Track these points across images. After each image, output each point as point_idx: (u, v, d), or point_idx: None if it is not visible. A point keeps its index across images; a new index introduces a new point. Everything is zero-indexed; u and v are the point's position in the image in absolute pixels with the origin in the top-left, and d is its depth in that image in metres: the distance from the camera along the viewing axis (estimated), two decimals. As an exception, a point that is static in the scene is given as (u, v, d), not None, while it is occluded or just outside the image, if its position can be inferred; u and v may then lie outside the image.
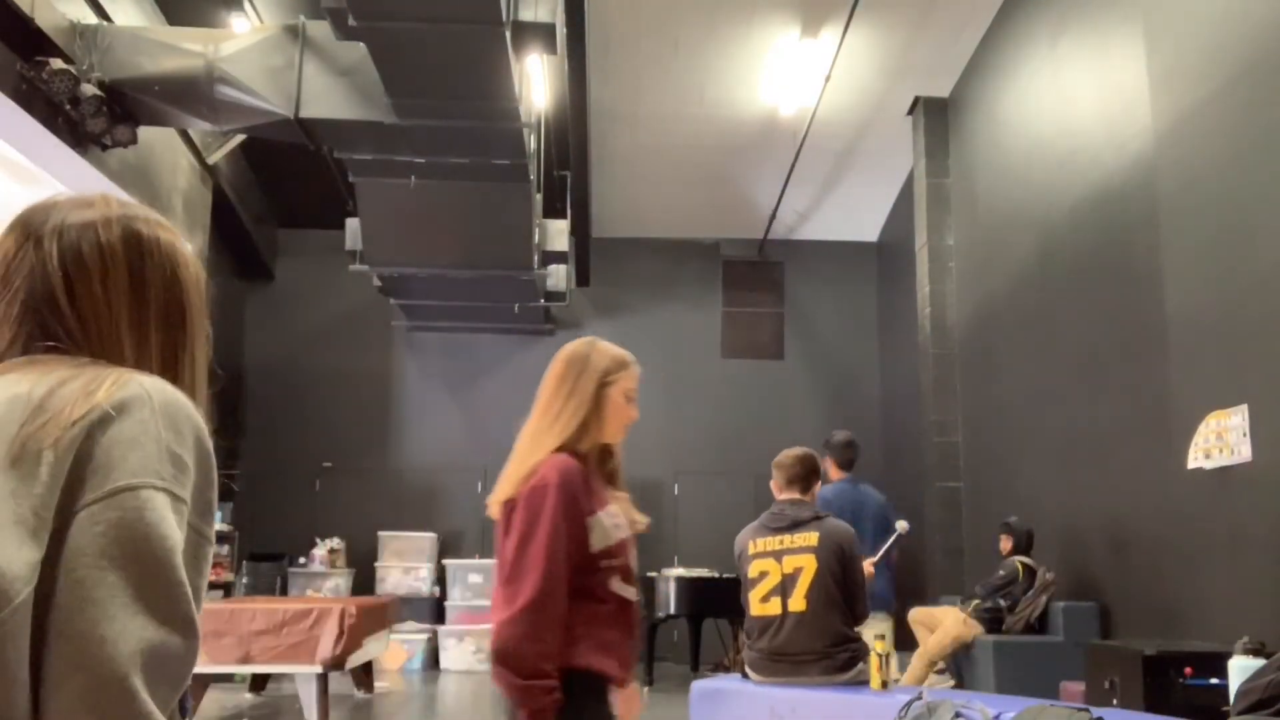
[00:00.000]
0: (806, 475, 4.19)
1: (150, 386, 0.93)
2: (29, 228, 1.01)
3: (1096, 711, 2.87)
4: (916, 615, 6.80)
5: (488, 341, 11.68)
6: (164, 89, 6.90)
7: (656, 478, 11.11)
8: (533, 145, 7.97)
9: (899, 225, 10.83)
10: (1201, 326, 5.32)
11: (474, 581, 10.47)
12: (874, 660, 3.92)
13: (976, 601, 6.53)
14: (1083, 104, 6.80)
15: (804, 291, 12.19)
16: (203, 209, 9.29)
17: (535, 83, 7.70)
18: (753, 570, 4.10)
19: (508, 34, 6.11)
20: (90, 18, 6.92)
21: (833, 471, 5.86)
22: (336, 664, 5.94)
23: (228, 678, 7.69)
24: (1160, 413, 5.66)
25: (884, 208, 11.51)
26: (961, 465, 8.91)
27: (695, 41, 8.70)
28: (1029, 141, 7.70)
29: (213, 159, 9.32)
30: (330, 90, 7.00)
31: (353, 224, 9.29)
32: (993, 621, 6.40)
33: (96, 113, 6.58)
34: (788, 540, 4.05)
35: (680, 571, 9.20)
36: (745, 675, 4.22)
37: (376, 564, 10.72)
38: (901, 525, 5.98)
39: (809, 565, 3.97)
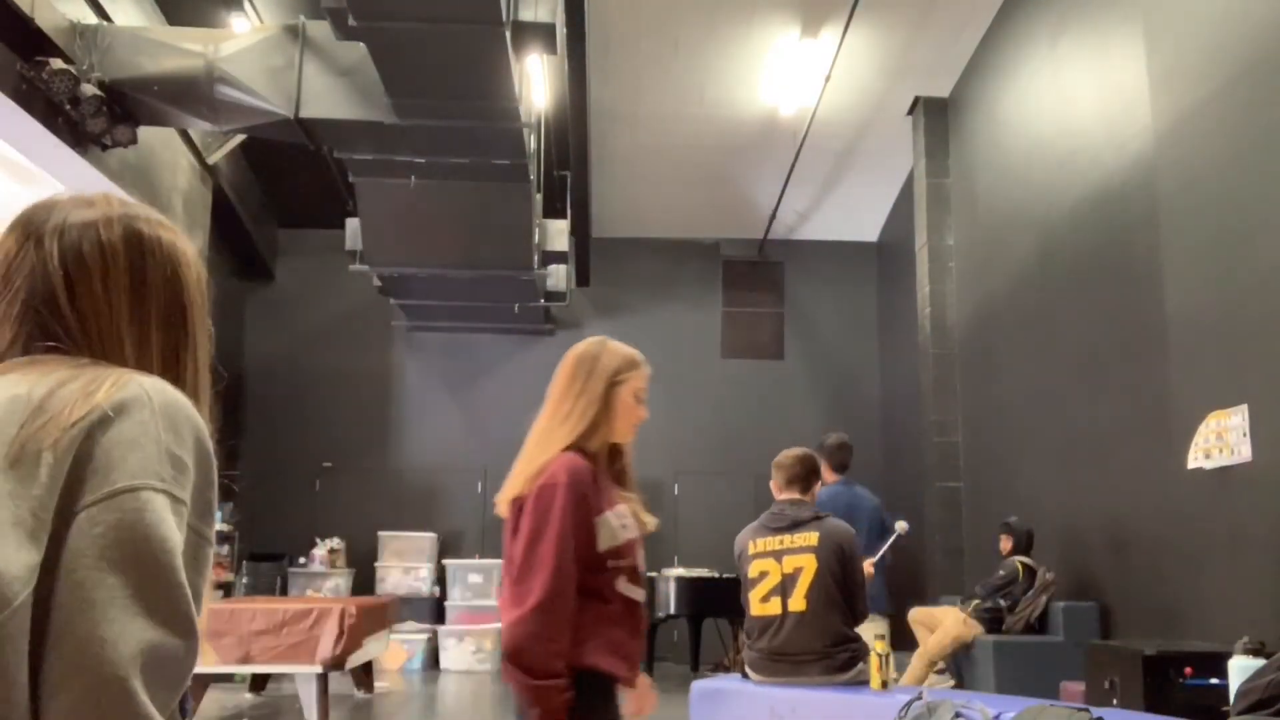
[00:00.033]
0: (806, 475, 4.20)
1: (150, 387, 0.93)
2: (30, 227, 1.01)
3: (1096, 711, 2.87)
4: (916, 615, 6.80)
5: (488, 341, 11.68)
6: (164, 89, 6.90)
7: (656, 478, 11.11)
8: (533, 145, 7.97)
9: (899, 225, 10.83)
10: (1201, 326, 5.32)
11: (474, 581, 10.47)
12: (874, 660, 3.92)
13: (976, 601, 6.53)
14: (1083, 104, 6.80)
15: (804, 291, 12.19)
16: (203, 209, 9.29)
17: (535, 83, 7.70)
18: (753, 570, 4.11)
19: (508, 34, 6.11)
20: (90, 18, 6.91)
21: (827, 474, 5.87)
22: (336, 664, 5.94)
23: (228, 678, 7.69)
24: (1160, 413, 5.66)
25: (884, 208, 11.51)
26: (961, 465, 8.91)
27: (695, 41, 8.70)
28: (1029, 141, 7.70)
29: (213, 159, 9.32)
30: (330, 90, 7.00)
31: (353, 224, 9.29)
32: (993, 621, 6.39)
33: (96, 113, 6.58)
34: (788, 540, 4.05)
35: (680, 571, 9.21)
36: (745, 675, 4.22)
37: (376, 564, 10.71)
38: (901, 525, 5.99)
39: (809, 565, 3.97)
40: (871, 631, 4.54)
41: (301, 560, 10.54)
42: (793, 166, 10.17)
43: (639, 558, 2.14)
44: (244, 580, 10.12)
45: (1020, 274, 7.78)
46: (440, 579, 10.63)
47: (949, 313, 9.19)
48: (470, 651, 10.05)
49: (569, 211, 10.15)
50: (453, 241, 9.03)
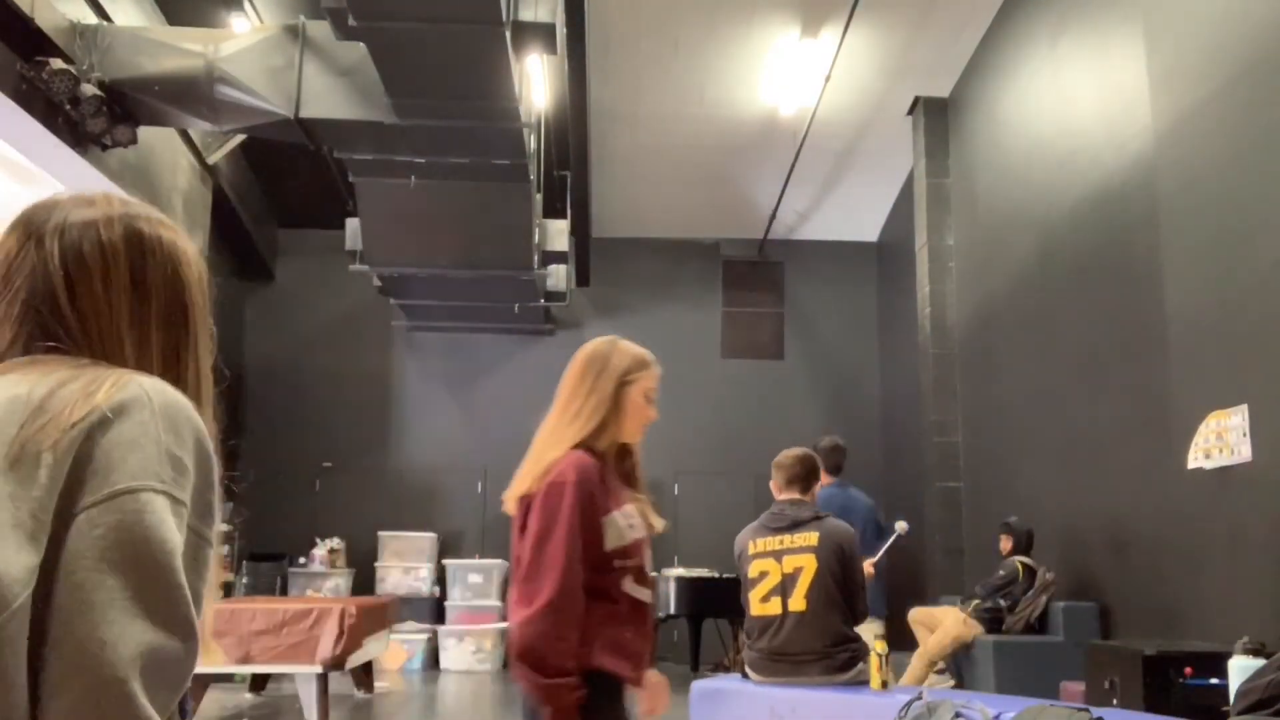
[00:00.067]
0: (806, 475, 4.20)
1: (150, 388, 0.92)
2: (31, 227, 1.01)
3: (1096, 711, 2.87)
4: (916, 615, 6.80)
5: (488, 341, 11.68)
6: (164, 89, 6.90)
7: (657, 478, 11.09)
8: (533, 145, 7.97)
9: (899, 225, 10.83)
10: (1201, 326, 5.32)
11: (474, 581, 10.47)
12: (874, 660, 3.92)
13: (976, 601, 6.52)
14: (1083, 104, 6.79)
15: (804, 291, 12.19)
16: (203, 209, 9.29)
17: (535, 83, 7.70)
18: (753, 570, 4.11)
19: (508, 34, 6.11)
20: (90, 18, 6.91)
21: (821, 476, 5.89)
22: (336, 664, 5.94)
23: (228, 678, 7.69)
24: (1160, 413, 5.66)
25: (884, 208, 11.51)
26: (961, 465, 8.91)
27: (695, 41, 8.70)
28: (1029, 141, 7.70)
29: (213, 159, 9.32)
30: (330, 90, 7.00)
31: (353, 224, 9.29)
32: (993, 621, 6.39)
33: (96, 113, 6.58)
34: (788, 540, 4.05)
35: (680, 571, 9.21)
36: (745, 675, 4.22)
37: (376, 564, 10.71)
38: (901, 526, 5.99)
39: (809, 565, 3.97)
40: (870, 632, 4.54)
41: (301, 560, 10.54)
42: (793, 166, 10.17)
43: (646, 558, 2.14)
44: (244, 580, 10.13)
45: (1020, 274, 7.77)
46: (440, 579, 10.63)
47: (949, 313, 9.19)
48: (470, 651, 10.05)
49: (569, 211, 10.15)
50: (453, 241, 9.03)
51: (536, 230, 9.25)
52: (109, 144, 6.92)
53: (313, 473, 11.33)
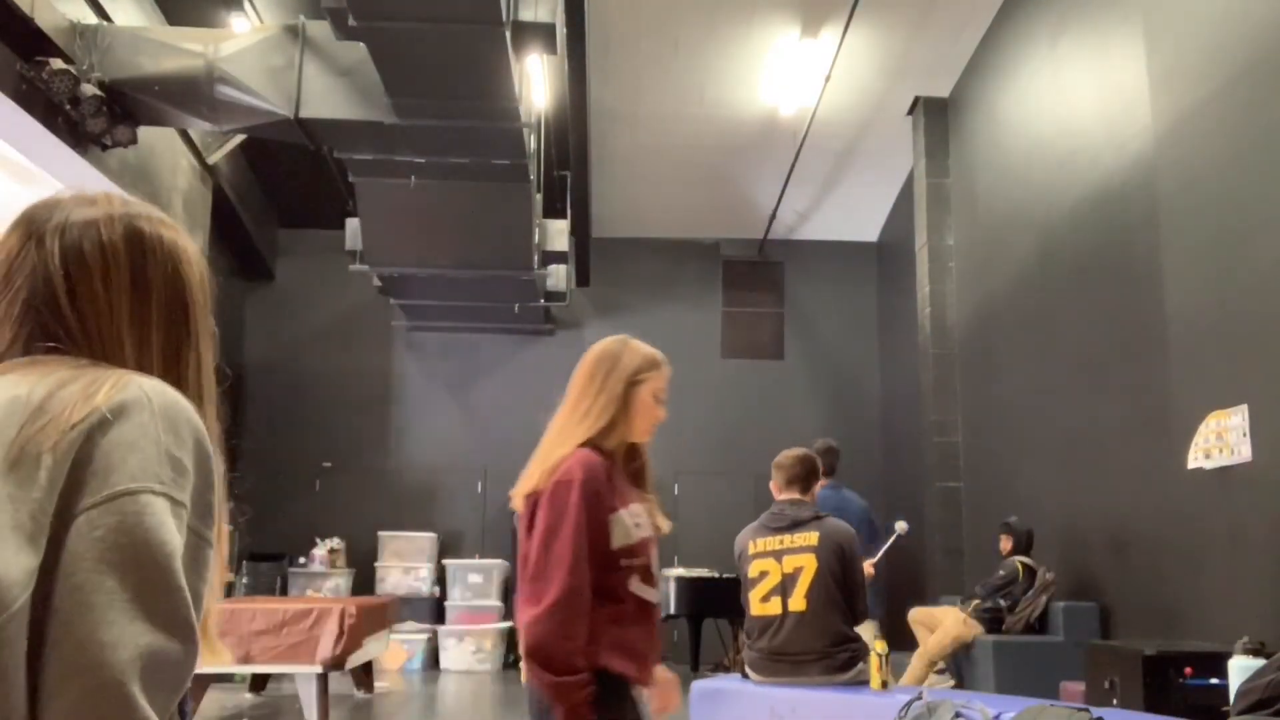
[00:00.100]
0: (806, 475, 4.20)
1: (150, 389, 0.92)
2: (32, 226, 1.01)
3: (1096, 711, 2.87)
4: (916, 615, 6.80)
5: (488, 341, 11.68)
6: (164, 89, 6.90)
7: (656, 477, 11.06)
8: (533, 145, 7.97)
9: (899, 225, 10.83)
10: (1201, 326, 5.32)
11: (474, 581, 10.47)
12: (874, 660, 3.92)
13: (976, 601, 6.53)
14: (1083, 104, 6.79)
15: (804, 291, 12.19)
16: (203, 209, 9.29)
17: (535, 83, 7.70)
18: (753, 570, 4.11)
19: (508, 34, 6.11)
20: (90, 18, 6.91)
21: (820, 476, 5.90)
22: (336, 664, 5.94)
23: (228, 678, 7.69)
24: (1160, 413, 5.66)
25: (884, 208, 11.51)
26: (961, 465, 8.91)
27: (695, 41, 8.70)
28: (1029, 141, 7.70)
29: (213, 159, 9.32)
30: (330, 90, 7.00)
31: (353, 224, 9.29)
32: (993, 621, 6.39)
33: (96, 113, 6.58)
34: (788, 540, 4.05)
35: (680, 571, 9.20)
36: (745, 675, 4.22)
37: (376, 564, 10.71)
38: (901, 526, 5.99)
39: (809, 565, 3.97)
40: (866, 632, 4.54)
41: (301, 560, 10.54)
42: (793, 166, 10.17)
43: (653, 558, 2.13)
44: (244, 580, 10.12)
45: (1020, 274, 7.77)
46: (440, 579, 10.62)
47: (949, 313, 9.19)
48: (470, 651, 10.05)
49: (569, 211, 10.15)
50: (453, 241, 9.03)
51: (536, 230, 9.25)
52: (109, 144, 6.92)
53: (313, 473, 11.33)
